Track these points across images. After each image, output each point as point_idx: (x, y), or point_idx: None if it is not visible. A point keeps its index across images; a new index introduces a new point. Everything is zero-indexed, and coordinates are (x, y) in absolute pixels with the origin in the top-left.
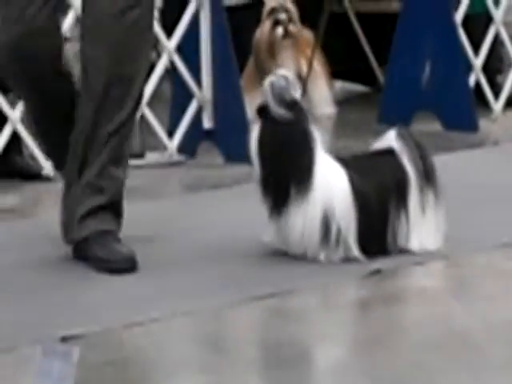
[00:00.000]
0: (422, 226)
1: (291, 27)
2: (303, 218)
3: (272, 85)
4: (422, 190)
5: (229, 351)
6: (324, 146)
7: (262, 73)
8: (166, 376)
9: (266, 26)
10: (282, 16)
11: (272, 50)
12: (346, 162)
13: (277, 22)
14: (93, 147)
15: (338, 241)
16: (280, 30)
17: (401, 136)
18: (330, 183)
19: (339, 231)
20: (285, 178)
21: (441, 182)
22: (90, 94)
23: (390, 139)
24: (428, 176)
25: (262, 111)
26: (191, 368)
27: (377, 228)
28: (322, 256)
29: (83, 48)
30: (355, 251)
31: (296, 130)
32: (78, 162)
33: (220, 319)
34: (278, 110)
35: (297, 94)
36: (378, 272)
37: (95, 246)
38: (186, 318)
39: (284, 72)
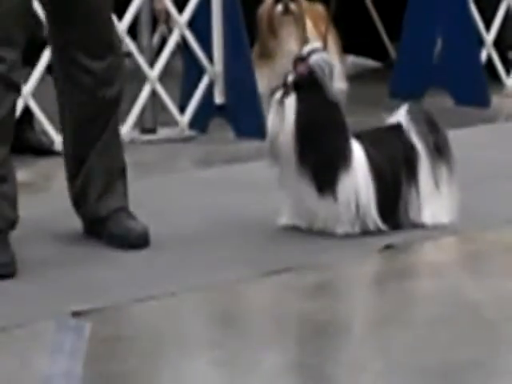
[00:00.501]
0: (435, 200)
1: (291, 4)
2: (345, 195)
3: (318, 60)
4: (433, 165)
5: (241, 326)
6: None
7: (264, 50)
8: (178, 351)
9: (267, 2)
10: None
11: (272, 27)
12: (358, 136)
13: (277, 0)
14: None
15: (358, 214)
16: (279, 7)
17: (410, 111)
18: (356, 161)
19: (359, 206)
20: (329, 156)
21: (455, 157)
22: None
23: (401, 115)
24: (440, 150)
25: (303, 86)
26: (203, 343)
27: (391, 202)
28: (340, 230)
29: None
30: (379, 223)
31: (337, 107)
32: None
33: (233, 294)
34: (333, 87)
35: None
36: (390, 247)
37: (110, 223)
38: (198, 292)
39: (317, 45)
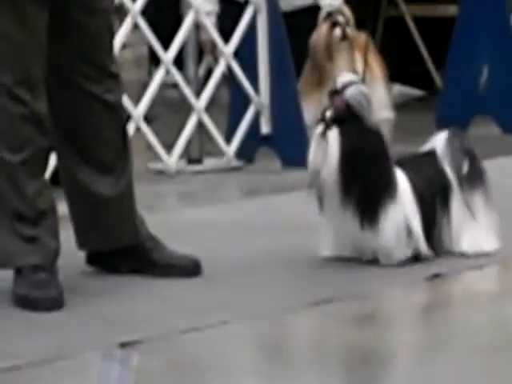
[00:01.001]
0: (472, 229)
1: (349, 29)
2: (392, 225)
3: (354, 93)
4: (466, 193)
5: (288, 357)
6: None
7: (319, 76)
8: (225, 382)
9: (323, 28)
10: (340, 18)
11: (329, 51)
12: (399, 163)
13: (334, 24)
14: None
15: (409, 242)
16: (338, 32)
17: (446, 138)
18: (401, 188)
19: (411, 233)
20: (374, 187)
21: (491, 186)
22: None
23: (436, 141)
24: (475, 179)
25: (343, 120)
26: (250, 374)
27: (431, 230)
28: (386, 261)
29: None
30: (426, 251)
31: (379, 137)
32: None
33: (279, 325)
34: (371, 118)
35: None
36: (437, 276)
37: (154, 251)
38: (244, 323)
39: (351, 77)
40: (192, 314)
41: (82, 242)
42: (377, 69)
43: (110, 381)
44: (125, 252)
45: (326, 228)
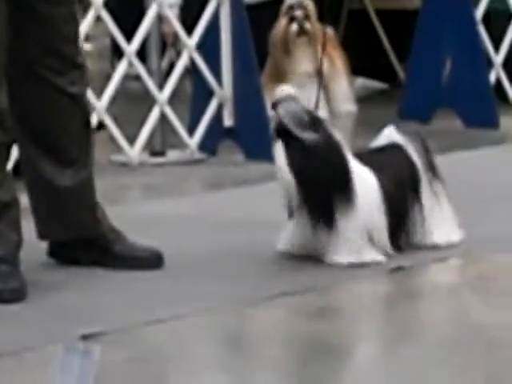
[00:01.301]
0: (441, 221)
1: (307, 24)
2: (349, 231)
3: (286, 110)
4: (431, 184)
5: (250, 349)
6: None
7: (278, 71)
8: (187, 374)
9: (281, 23)
10: (298, 13)
11: (287, 47)
12: (363, 158)
13: (292, 19)
14: None
15: (368, 241)
16: (294, 27)
17: (405, 132)
18: (365, 190)
19: (370, 232)
20: (328, 199)
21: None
22: None
23: (391, 135)
24: (434, 169)
25: (282, 135)
26: (212, 366)
27: (400, 225)
28: (342, 259)
29: None
30: (388, 248)
31: (326, 148)
32: None
33: (241, 317)
34: (304, 135)
35: (309, 109)
36: (400, 269)
37: (116, 243)
38: (206, 315)
39: (287, 90)
40: (154, 306)
41: (42, 233)
42: (339, 62)
43: (72, 373)
44: (86, 244)
45: (288, 227)
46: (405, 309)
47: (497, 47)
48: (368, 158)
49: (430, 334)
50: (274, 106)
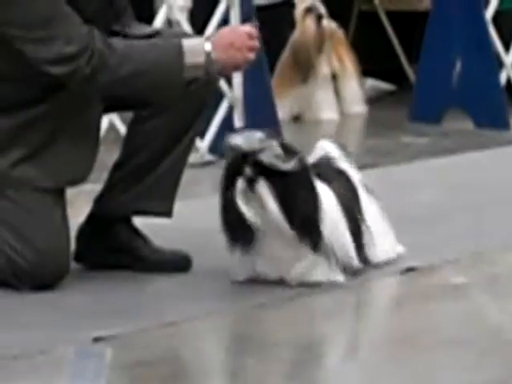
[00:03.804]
0: (382, 233)
1: (326, 23)
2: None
3: (269, 159)
4: (369, 198)
5: (262, 351)
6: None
7: (306, 70)
8: (198, 376)
9: (308, 23)
10: (323, 10)
11: (320, 44)
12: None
13: (320, 17)
14: None
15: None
16: (326, 23)
17: (338, 145)
18: (327, 208)
19: (341, 247)
20: (313, 221)
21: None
22: None
23: (325, 148)
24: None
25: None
26: (224, 368)
27: (357, 238)
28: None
29: None
30: (357, 264)
31: (305, 173)
32: None
33: (252, 320)
34: (284, 166)
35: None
36: (411, 270)
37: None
38: (218, 318)
39: (259, 139)
40: (166, 309)
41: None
42: (349, 63)
43: (84, 376)
44: (114, 249)
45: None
46: (413, 310)
47: (507, 48)
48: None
49: (442, 334)
50: (245, 156)
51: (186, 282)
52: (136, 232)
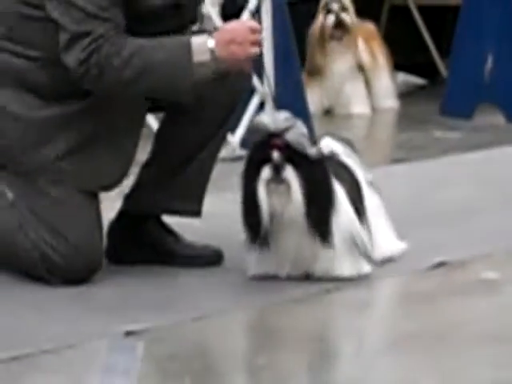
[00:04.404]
0: (384, 231)
1: (344, 16)
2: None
3: (297, 138)
4: (372, 195)
5: (293, 345)
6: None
7: (313, 67)
8: (229, 370)
9: (319, 18)
10: (334, 6)
11: (323, 41)
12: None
13: (328, 12)
14: None
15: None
16: (331, 18)
17: (344, 141)
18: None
19: (360, 242)
20: (327, 212)
21: None
22: None
23: (329, 145)
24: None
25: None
26: (255, 362)
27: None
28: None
29: None
30: (373, 259)
31: (323, 164)
32: None
33: (283, 313)
34: (313, 153)
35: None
36: (442, 265)
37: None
38: (249, 312)
39: (286, 118)
40: (198, 302)
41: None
42: (381, 57)
43: (116, 370)
44: (145, 245)
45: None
46: (445, 305)
47: None
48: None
49: (473, 330)
50: (271, 136)
51: (216, 276)
52: (166, 228)
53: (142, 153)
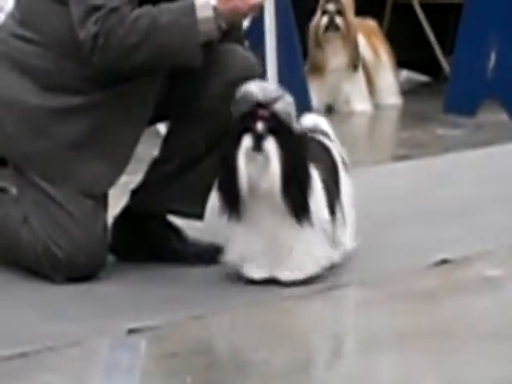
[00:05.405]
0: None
1: (338, 19)
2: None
3: (284, 108)
4: (346, 179)
5: (297, 343)
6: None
7: (312, 64)
8: (232, 367)
9: (316, 16)
10: (330, 7)
11: (318, 40)
12: None
13: (324, 13)
14: None
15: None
16: (324, 21)
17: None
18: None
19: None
20: (305, 186)
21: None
22: None
23: (314, 121)
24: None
25: (271, 131)
26: (259, 359)
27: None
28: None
29: None
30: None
31: (305, 139)
32: None
33: (284, 311)
34: (297, 126)
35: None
36: (445, 262)
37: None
38: (253, 309)
39: (274, 89)
40: (200, 300)
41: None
42: (384, 55)
43: (118, 368)
44: (149, 241)
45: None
46: (447, 302)
47: None
48: None
49: (476, 327)
50: (258, 107)
51: (219, 274)
52: (170, 225)
53: (147, 150)
